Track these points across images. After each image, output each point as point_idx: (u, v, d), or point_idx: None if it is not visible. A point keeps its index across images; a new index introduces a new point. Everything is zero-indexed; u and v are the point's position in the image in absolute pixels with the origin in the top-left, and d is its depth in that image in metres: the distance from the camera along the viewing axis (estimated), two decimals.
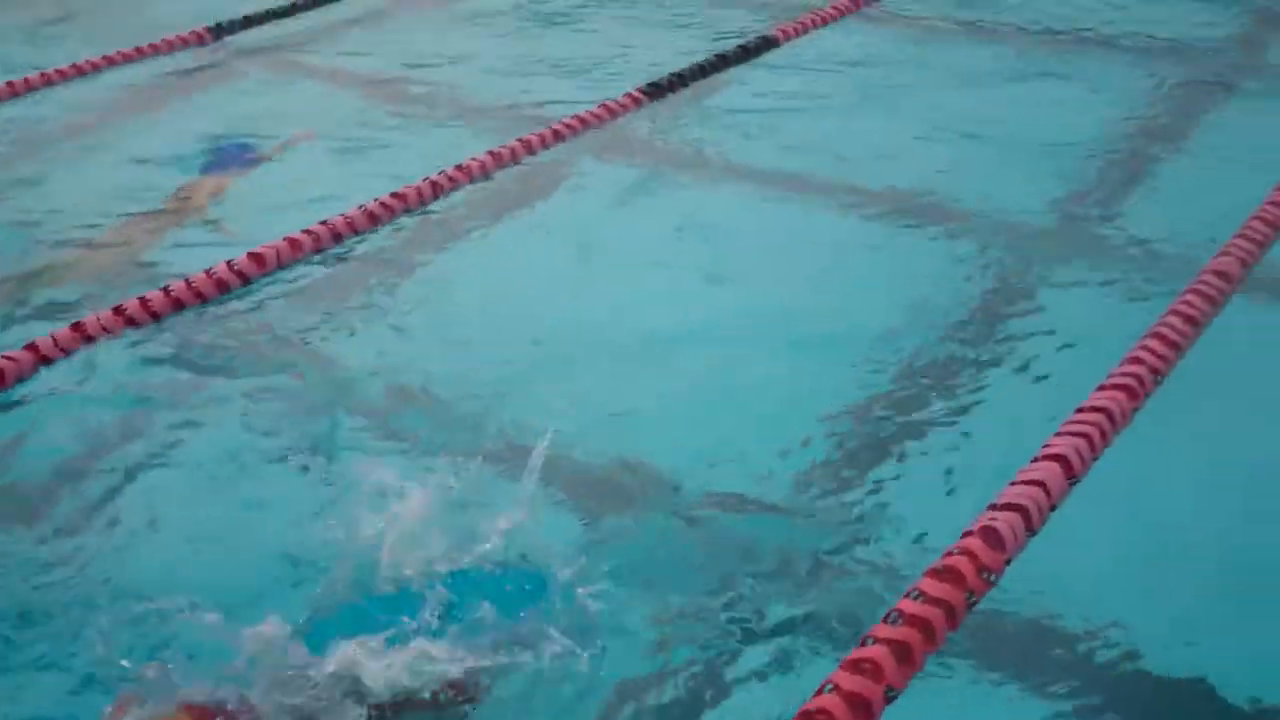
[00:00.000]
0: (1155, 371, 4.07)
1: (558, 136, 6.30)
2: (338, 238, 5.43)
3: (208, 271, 5.07)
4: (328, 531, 3.49)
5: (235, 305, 4.98)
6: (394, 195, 5.70)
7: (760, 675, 3.16)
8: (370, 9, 8.63)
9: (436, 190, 5.80)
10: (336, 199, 5.70)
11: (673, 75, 6.90)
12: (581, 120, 6.43)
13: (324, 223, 5.46)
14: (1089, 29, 7.48)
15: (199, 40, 7.97)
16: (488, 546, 3.38)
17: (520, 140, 6.21)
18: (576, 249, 5.37)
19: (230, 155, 6.33)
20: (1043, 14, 7.75)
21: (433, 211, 5.71)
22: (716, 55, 7.16)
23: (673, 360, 4.48)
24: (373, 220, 5.56)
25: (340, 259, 5.35)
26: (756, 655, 3.21)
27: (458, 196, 5.82)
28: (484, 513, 3.46)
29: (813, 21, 7.69)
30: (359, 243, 5.45)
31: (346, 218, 5.52)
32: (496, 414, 4.17)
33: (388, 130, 6.61)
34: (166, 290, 4.95)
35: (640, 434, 4.07)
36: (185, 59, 7.76)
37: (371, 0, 8.78)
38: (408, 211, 5.66)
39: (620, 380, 4.40)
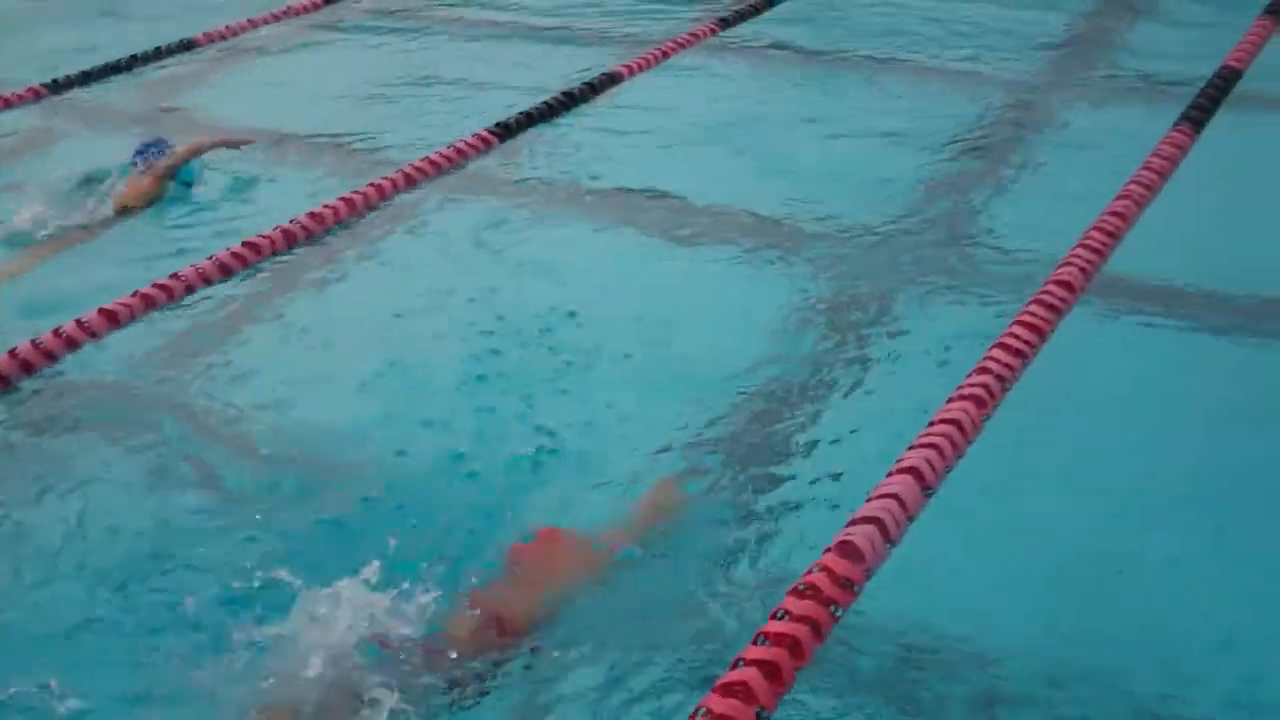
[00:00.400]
0: (1002, 380, 4.17)
1: (409, 180, 6.28)
2: (190, 289, 5.35)
3: (55, 330, 4.97)
4: None
5: (80, 362, 4.89)
6: (246, 244, 5.62)
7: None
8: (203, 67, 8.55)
9: (290, 238, 5.74)
10: (191, 252, 5.63)
11: (521, 114, 6.91)
12: (432, 162, 6.42)
13: (175, 276, 5.38)
14: (927, 56, 7.67)
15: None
16: None
17: (372, 185, 6.17)
18: (428, 292, 5.34)
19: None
20: (882, 42, 7.93)
21: (285, 260, 5.65)
22: (563, 93, 7.19)
23: (515, 399, 4.46)
24: (225, 271, 5.48)
25: (194, 309, 5.27)
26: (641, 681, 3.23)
27: (312, 242, 5.77)
28: None
29: (657, 56, 7.77)
30: (209, 294, 5.37)
31: (198, 269, 5.44)
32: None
33: (244, 176, 6.53)
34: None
35: (477, 477, 4.06)
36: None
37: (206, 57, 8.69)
38: (262, 260, 5.60)
39: (453, 422, 4.36)
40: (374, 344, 4.92)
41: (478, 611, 3.40)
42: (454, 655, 3.27)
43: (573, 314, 4.94)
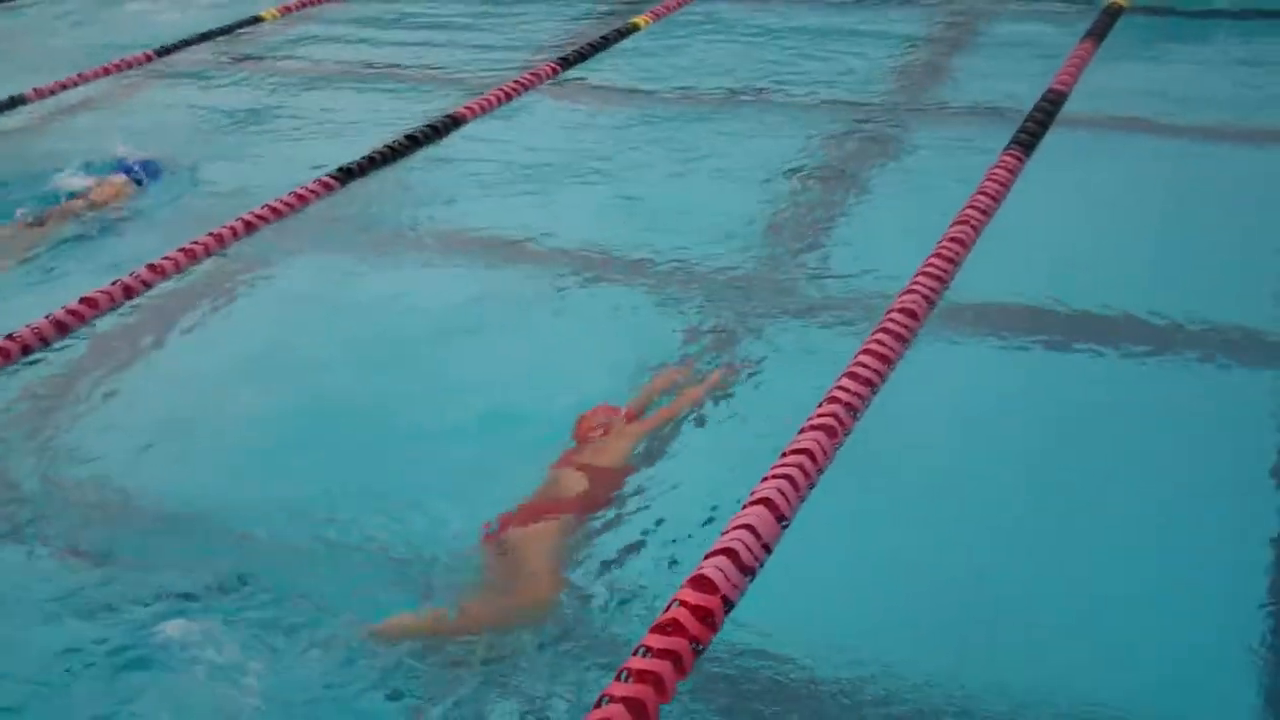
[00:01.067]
0: (852, 409, 4.23)
1: (249, 227, 6.19)
2: (26, 350, 5.21)
3: None
4: None
5: None
6: (83, 300, 5.49)
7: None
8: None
9: (129, 292, 5.61)
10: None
11: (363, 158, 6.86)
12: (273, 209, 6.33)
13: (10, 336, 5.23)
14: (765, 91, 7.79)
15: None
16: None
17: (211, 234, 6.06)
18: (272, 339, 5.28)
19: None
20: (720, 79, 8.04)
21: (126, 311, 5.53)
22: (406, 136, 7.15)
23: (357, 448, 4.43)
24: (61, 329, 5.34)
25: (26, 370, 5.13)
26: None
27: (151, 295, 5.65)
28: None
29: (500, 97, 7.77)
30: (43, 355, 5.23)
31: (33, 328, 5.30)
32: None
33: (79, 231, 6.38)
34: None
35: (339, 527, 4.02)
36: None
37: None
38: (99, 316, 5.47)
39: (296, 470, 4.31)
40: (210, 395, 4.86)
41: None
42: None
43: (418, 356, 4.92)
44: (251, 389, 4.90)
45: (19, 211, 6.39)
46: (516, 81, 8.01)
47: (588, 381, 4.70)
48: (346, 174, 6.72)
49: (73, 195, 6.56)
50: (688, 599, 3.38)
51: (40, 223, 6.36)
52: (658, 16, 9.48)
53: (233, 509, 4.14)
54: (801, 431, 4.09)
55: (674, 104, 7.79)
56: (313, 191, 6.53)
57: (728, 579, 3.45)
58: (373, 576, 3.78)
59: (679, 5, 9.78)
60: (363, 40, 9.50)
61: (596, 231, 5.98)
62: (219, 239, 6.06)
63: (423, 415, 4.59)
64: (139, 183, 6.78)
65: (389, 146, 7.03)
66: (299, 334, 5.33)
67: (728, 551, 3.52)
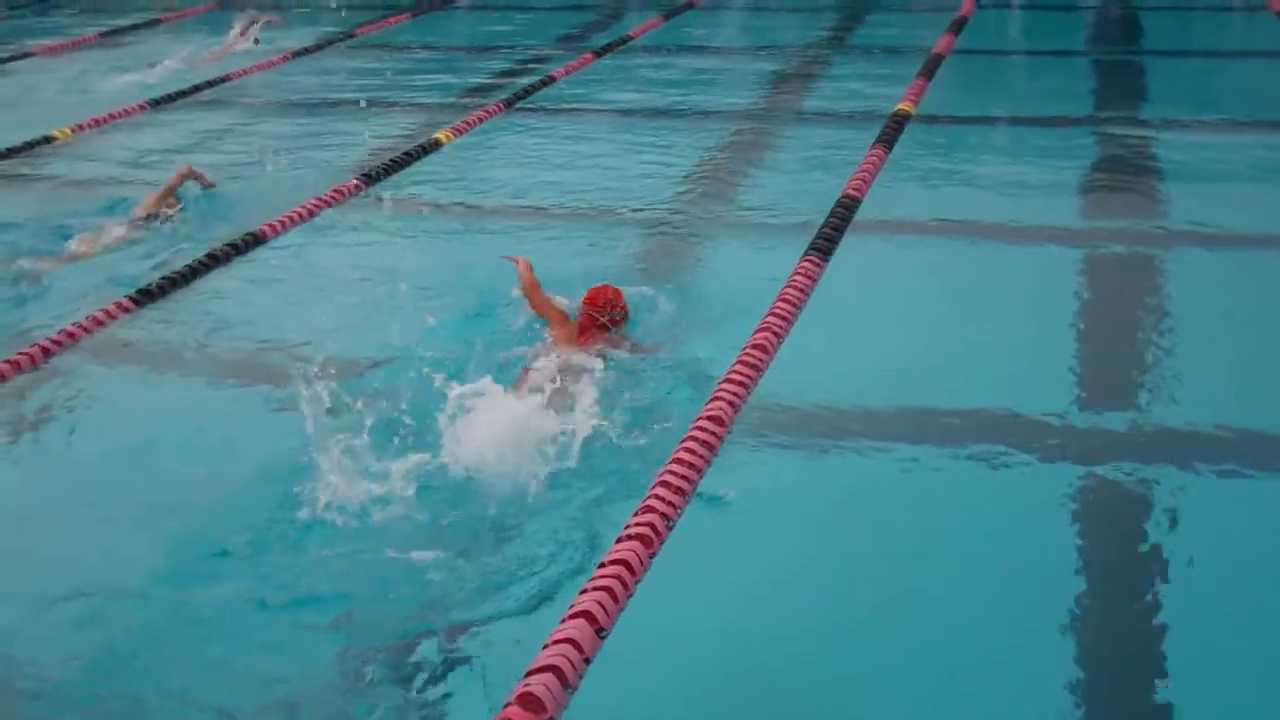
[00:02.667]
0: (666, 518, 4.27)
1: (46, 353, 6.01)
2: None
3: None
4: None
5: None
6: None
7: None
8: None
9: None
10: None
11: (163, 278, 6.73)
12: (69, 334, 6.17)
13: None
14: (561, 202, 7.88)
15: None
16: None
17: (7, 361, 5.88)
18: (70, 460, 5.16)
19: None
20: (518, 190, 8.11)
21: None
22: (206, 255, 7.05)
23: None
24: None
25: None
26: None
27: None
28: None
29: (302, 214, 7.72)
30: None
31: None
32: None
33: None
34: None
35: None
36: None
37: None
38: None
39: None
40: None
41: None
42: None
43: (217, 474, 4.86)
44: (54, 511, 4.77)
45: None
46: (320, 198, 7.97)
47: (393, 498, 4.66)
48: (146, 295, 6.58)
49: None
50: (514, 717, 3.35)
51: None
52: (459, 132, 9.56)
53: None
54: (618, 541, 4.12)
55: (472, 218, 7.83)
56: (110, 314, 6.37)
57: (554, 695, 3.44)
58: None
59: (480, 120, 9.88)
60: (167, 152, 9.34)
61: (393, 346, 5.91)
62: (14, 365, 5.86)
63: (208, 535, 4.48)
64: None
65: (189, 266, 6.91)
66: (97, 447, 5.23)
67: (552, 669, 3.51)
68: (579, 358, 5.41)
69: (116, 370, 5.97)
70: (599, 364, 5.36)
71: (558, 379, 5.15)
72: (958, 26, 12.98)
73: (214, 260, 7.02)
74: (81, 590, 4.26)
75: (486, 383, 4.99)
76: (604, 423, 4.94)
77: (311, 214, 7.80)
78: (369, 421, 4.88)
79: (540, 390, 5.09)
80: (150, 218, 7.75)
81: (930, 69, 10.92)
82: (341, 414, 5.00)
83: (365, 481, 4.64)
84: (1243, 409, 5.09)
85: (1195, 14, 15.07)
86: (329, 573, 4.24)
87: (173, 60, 12.32)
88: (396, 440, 4.90)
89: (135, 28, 15.28)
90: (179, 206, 7.90)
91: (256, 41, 11.92)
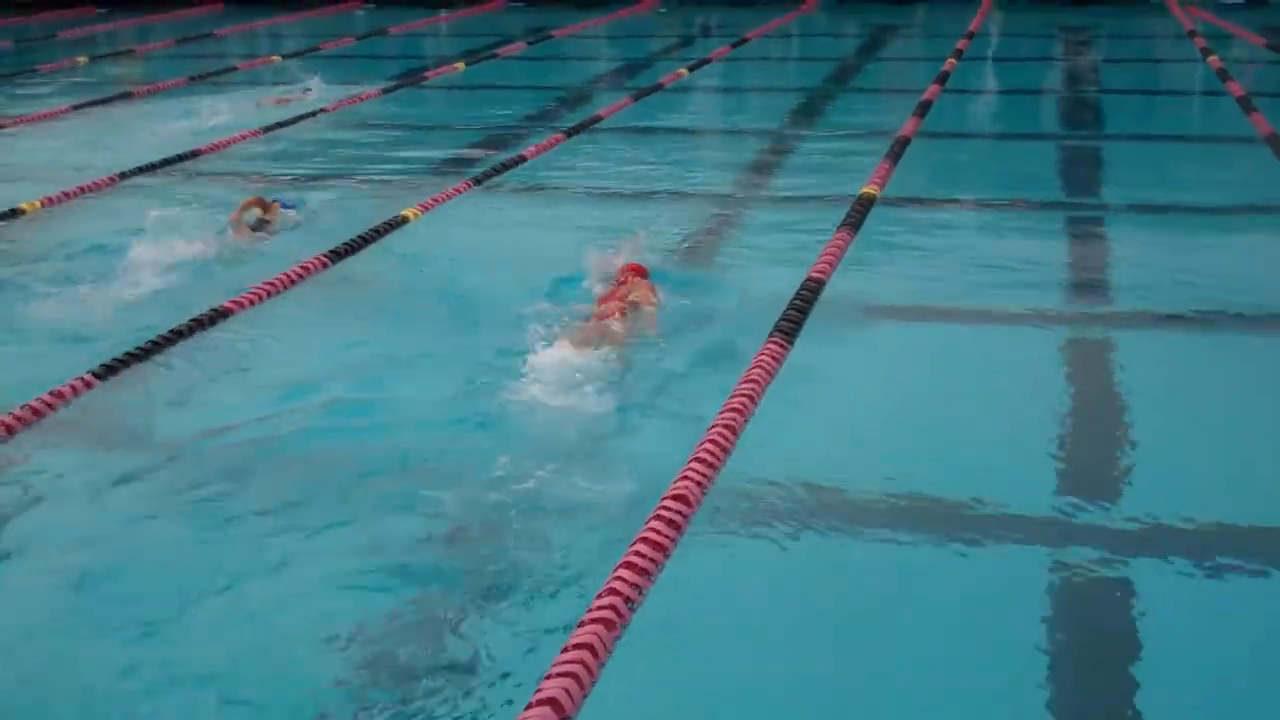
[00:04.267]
0: (630, 601, 4.24)
1: (8, 429, 5.95)
2: None
3: None
4: None
5: None
6: None
7: None
8: None
9: None
10: None
11: (126, 354, 6.69)
12: (33, 410, 6.11)
13: None
14: (521, 282, 7.91)
15: None
16: None
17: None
18: (30, 538, 5.08)
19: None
20: (478, 272, 8.11)
21: None
22: (171, 330, 7.02)
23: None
24: None
25: None
26: None
27: None
28: None
29: (270, 290, 7.70)
30: None
31: None
32: None
33: None
34: None
35: None
36: None
37: None
38: None
39: None
40: None
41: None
42: None
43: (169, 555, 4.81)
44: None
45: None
46: (286, 276, 7.95)
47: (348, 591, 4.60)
48: (109, 370, 6.53)
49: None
50: None
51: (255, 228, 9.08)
52: (425, 209, 9.58)
53: None
54: (580, 625, 4.08)
55: (404, 302, 7.82)
56: (74, 389, 6.32)
57: None
58: None
59: (447, 198, 9.91)
60: (125, 231, 9.32)
61: (360, 434, 5.90)
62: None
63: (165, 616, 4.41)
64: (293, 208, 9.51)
65: (152, 341, 6.87)
66: (58, 530, 5.16)
67: None
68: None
69: (77, 445, 5.91)
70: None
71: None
72: (923, 110, 13.13)
73: (176, 335, 6.99)
74: None
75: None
76: None
77: (281, 289, 7.77)
78: None
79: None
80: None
81: (896, 152, 11.03)
82: None
83: None
84: (1218, 499, 5.12)
85: (1158, 98, 15.34)
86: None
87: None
88: None
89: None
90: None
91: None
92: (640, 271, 7.43)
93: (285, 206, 9.45)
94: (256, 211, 9.20)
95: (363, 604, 4.51)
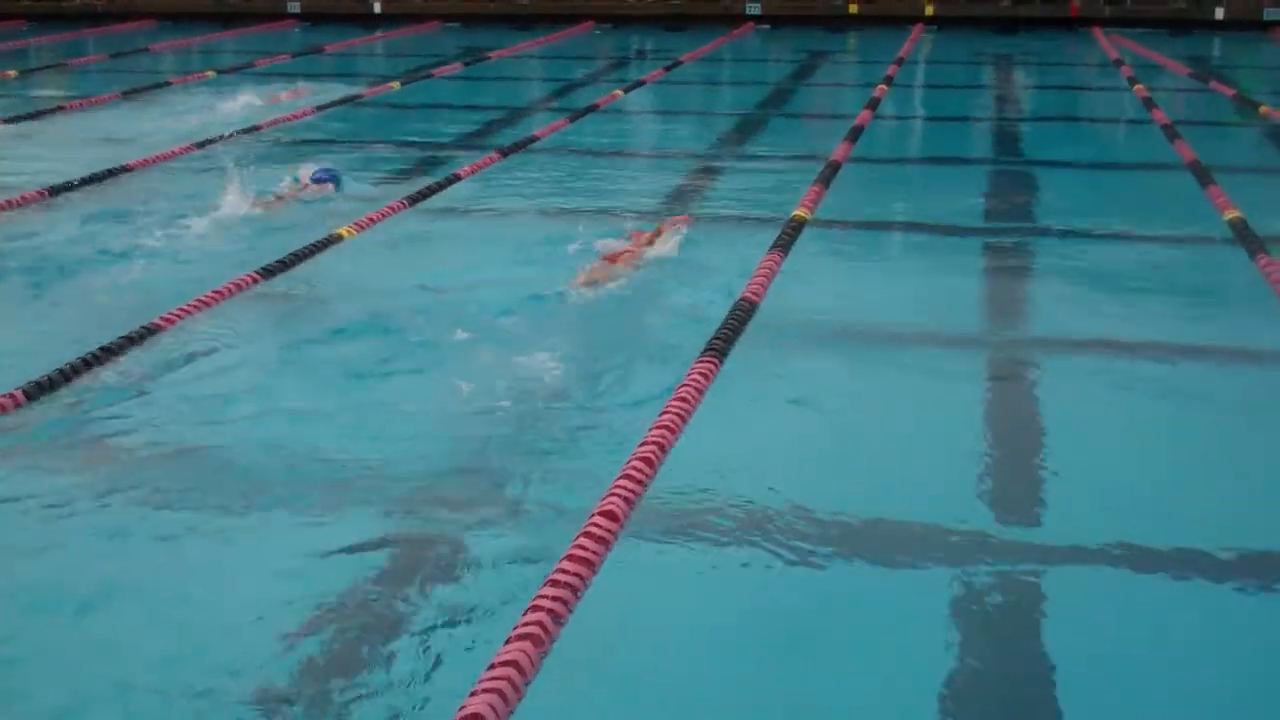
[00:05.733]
0: (556, 616, 4.27)
1: None
2: None
3: None
4: None
5: None
6: None
7: None
8: None
9: None
10: None
11: (56, 371, 6.63)
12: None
13: None
14: (457, 313, 7.92)
15: None
16: None
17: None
18: None
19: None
20: (412, 298, 8.13)
21: None
22: (100, 348, 6.96)
23: None
24: None
25: None
26: None
27: None
28: None
29: (197, 305, 7.67)
30: None
31: None
32: None
33: None
34: None
35: None
36: None
37: None
38: None
39: None
40: None
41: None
42: None
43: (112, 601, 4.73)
44: None
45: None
46: (219, 290, 7.92)
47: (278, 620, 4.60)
48: (38, 388, 6.48)
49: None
50: None
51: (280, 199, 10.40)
52: (360, 228, 9.58)
53: None
54: (507, 642, 4.11)
55: (361, 317, 7.81)
56: (1, 405, 6.27)
57: None
58: None
59: (382, 217, 9.91)
60: (80, 247, 9.26)
61: (302, 453, 5.90)
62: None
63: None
64: (336, 183, 10.75)
65: (83, 359, 6.82)
66: None
67: None
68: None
69: (7, 461, 5.87)
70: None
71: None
72: (854, 134, 13.28)
73: (106, 353, 6.94)
74: None
75: None
76: None
77: (208, 304, 7.75)
78: None
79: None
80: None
81: (828, 176, 11.15)
82: None
83: None
84: (1140, 519, 5.23)
85: (1084, 125, 15.61)
86: None
87: None
88: None
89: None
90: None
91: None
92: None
93: (320, 179, 10.65)
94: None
95: (283, 618, 4.51)
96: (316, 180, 10.67)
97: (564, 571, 4.52)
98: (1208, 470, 5.81)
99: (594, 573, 4.61)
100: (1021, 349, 7.23)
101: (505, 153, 12.59)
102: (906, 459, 5.85)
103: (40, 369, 6.61)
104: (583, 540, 4.77)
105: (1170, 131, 13.37)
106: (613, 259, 8.45)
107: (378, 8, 26.64)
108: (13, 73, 19.09)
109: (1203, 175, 11.14)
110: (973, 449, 5.87)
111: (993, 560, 4.90)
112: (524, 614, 4.26)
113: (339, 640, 4.38)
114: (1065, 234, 9.61)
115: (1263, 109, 14.96)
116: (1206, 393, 6.67)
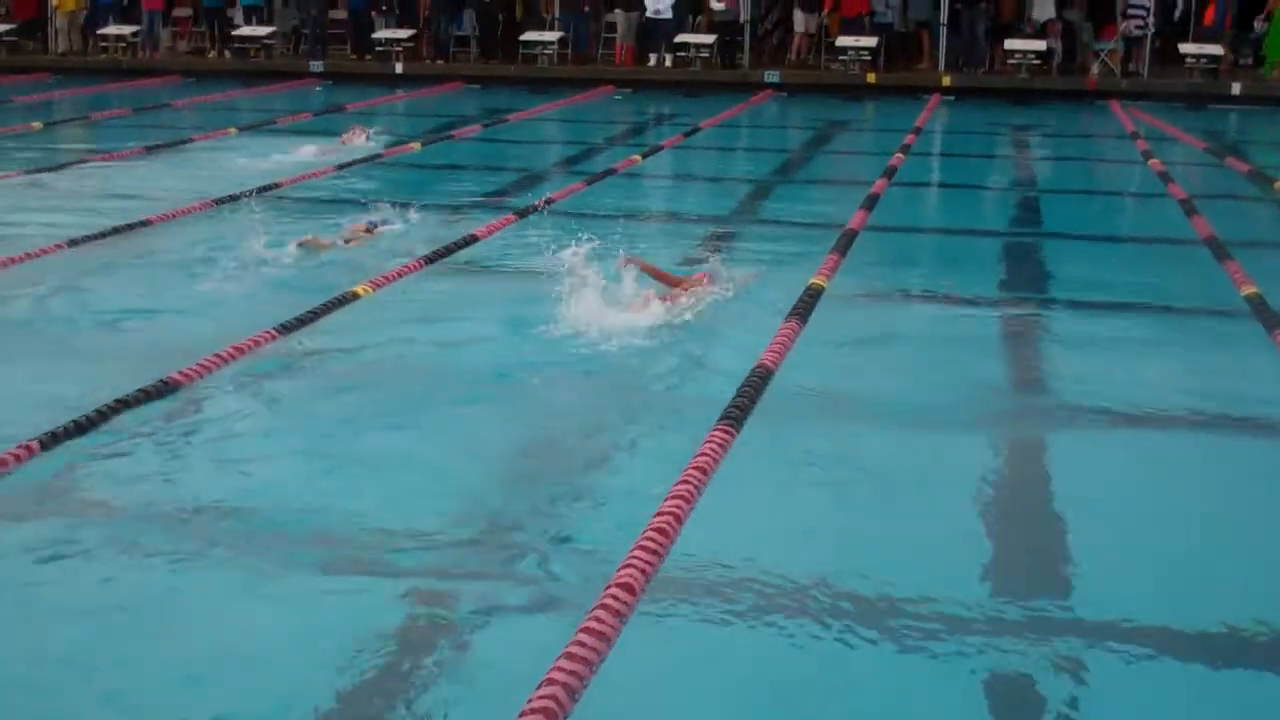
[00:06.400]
0: (571, 690, 4.23)
1: None
2: None
3: None
4: None
5: None
6: None
7: None
8: None
9: None
10: None
11: (70, 423, 6.64)
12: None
13: None
14: (474, 367, 7.91)
15: None
16: None
17: None
18: None
19: None
20: (428, 351, 8.10)
21: None
22: (116, 399, 6.97)
23: None
24: None
25: None
26: None
27: None
28: None
29: (216, 363, 7.68)
30: None
31: None
32: None
33: None
34: None
35: None
36: None
37: None
38: None
39: None
40: None
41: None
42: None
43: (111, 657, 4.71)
44: None
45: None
46: (235, 347, 7.93)
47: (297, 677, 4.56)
48: (52, 438, 6.48)
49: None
50: None
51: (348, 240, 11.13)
52: (377, 286, 9.60)
53: None
54: (521, 715, 4.07)
55: (379, 376, 7.84)
56: (15, 456, 6.26)
57: None
58: None
59: (398, 275, 9.94)
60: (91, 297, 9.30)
61: (320, 506, 5.89)
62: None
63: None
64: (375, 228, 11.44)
65: (98, 410, 6.82)
66: None
67: None
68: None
69: (19, 518, 5.85)
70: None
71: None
72: (871, 203, 13.32)
73: (123, 405, 6.94)
74: None
75: None
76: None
77: (225, 361, 7.75)
78: None
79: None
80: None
81: (844, 244, 11.17)
82: None
83: None
84: (1159, 599, 5.20)
85: (1101, 197, 15.65)
86: None
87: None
88: None
89: None
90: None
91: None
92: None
93: (371, 226, 11.46)
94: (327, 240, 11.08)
95: (285, 685, 4.48)
96: (369, 228, 11.44)
97: (580, 644, 4.49)
98: (1231, 545, 5.77)
99: (610, 646, 4.57)
100: (1038, 421, 7.20)
101: (522, 214, 12.64)
102: (922, 532, 5.81)
103: (54, 421, 6.62)
104: (599, 613, 4.73)
105: (1187, 205, 13.38)
106: (634, 312, 8.58)
107: (399, 68, 26.85)
108: (38, 125, 19.28)
109: (1219, 250, 11.14)
110: (985, 524, 5.83)
111: (1010, 637, 4.85)
112: (538, 687, 4.22)
113: (344, 711, 4.35)
114: (1082, 306, 9.61)
115: (1278, 185, 14.98)
116: (1225, 467, 6.65)
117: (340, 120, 20.65)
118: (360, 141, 17.19)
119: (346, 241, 11.08)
